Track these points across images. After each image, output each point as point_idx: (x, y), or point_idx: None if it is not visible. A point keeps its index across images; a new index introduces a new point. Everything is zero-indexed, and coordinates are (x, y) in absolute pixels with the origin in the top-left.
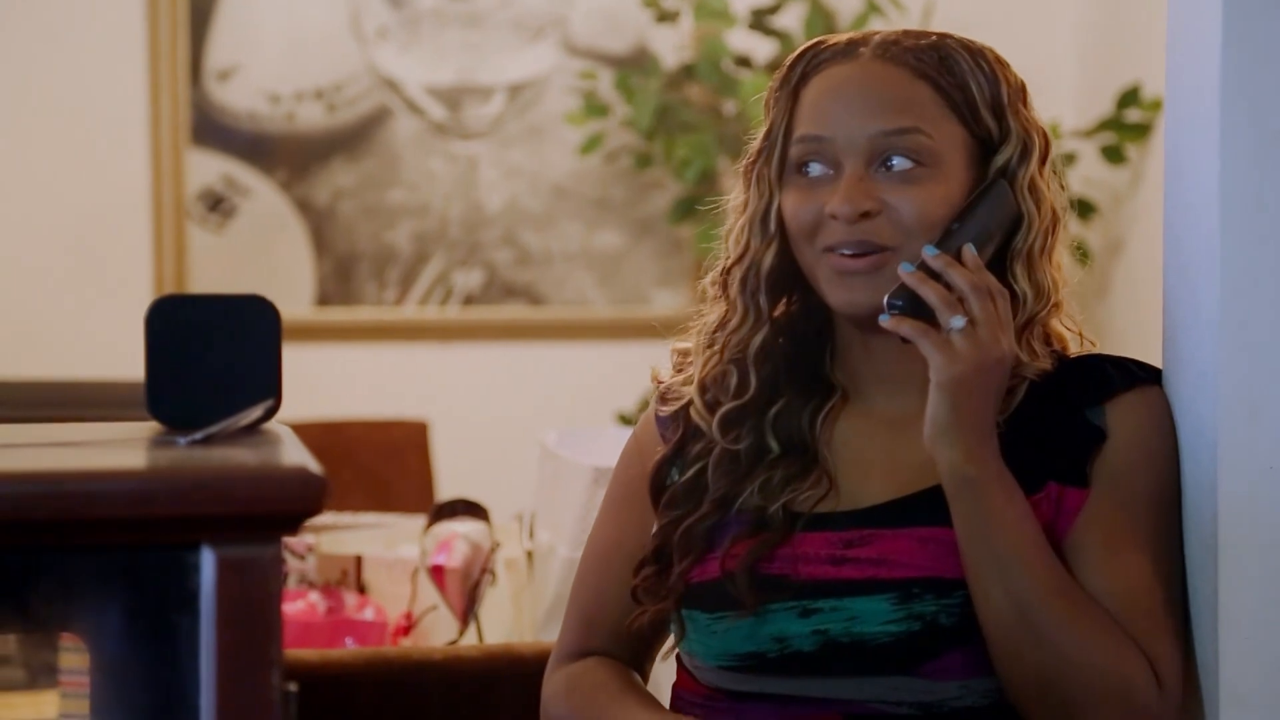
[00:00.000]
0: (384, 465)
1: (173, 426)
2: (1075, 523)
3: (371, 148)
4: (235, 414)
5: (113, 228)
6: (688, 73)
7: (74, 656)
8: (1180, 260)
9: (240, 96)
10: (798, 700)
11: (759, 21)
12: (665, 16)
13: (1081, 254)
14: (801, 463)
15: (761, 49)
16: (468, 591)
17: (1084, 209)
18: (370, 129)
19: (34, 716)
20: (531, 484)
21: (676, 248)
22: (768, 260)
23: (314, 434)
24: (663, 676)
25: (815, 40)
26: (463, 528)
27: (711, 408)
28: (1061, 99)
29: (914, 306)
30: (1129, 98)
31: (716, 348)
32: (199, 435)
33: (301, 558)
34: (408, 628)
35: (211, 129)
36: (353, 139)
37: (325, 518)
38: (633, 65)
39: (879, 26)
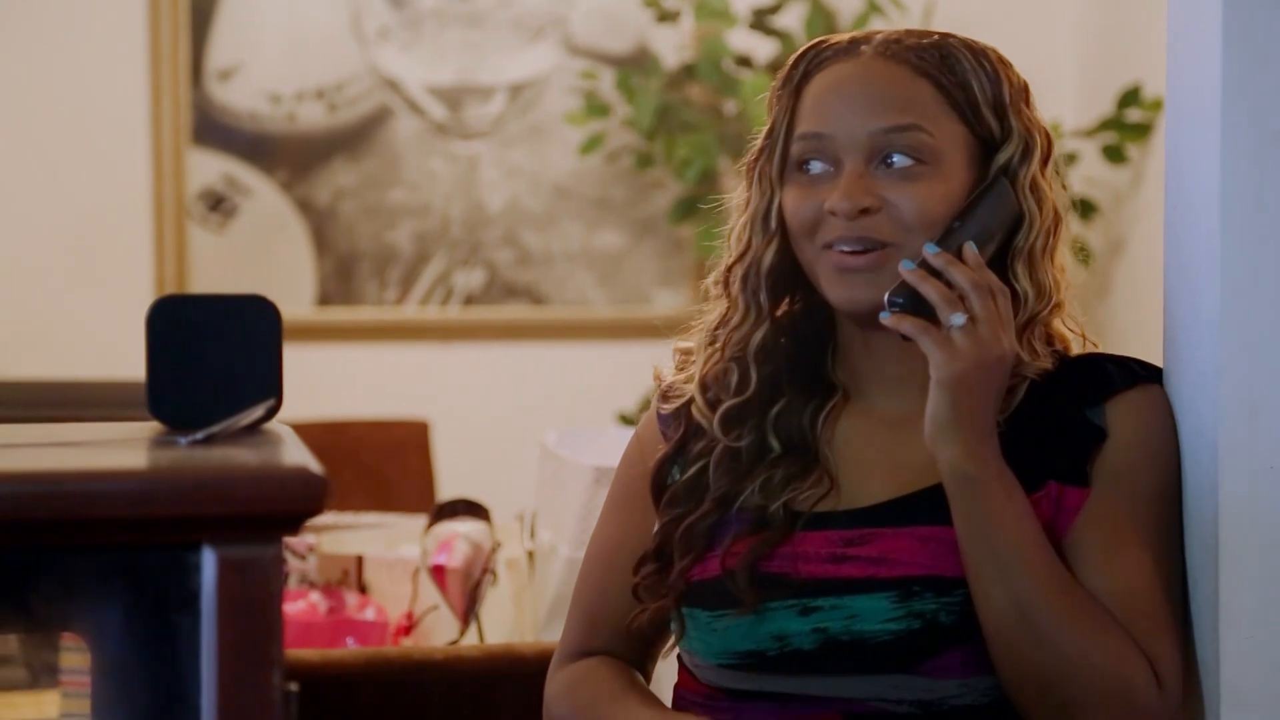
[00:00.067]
0: (385, 465)
1: (174, 426)
2: (1075, 521)
3: (372, 147)
4: (236, 414)
5: (114, 227)
6: (688, 72)
7: (75, 656)
8: (1181, 260)
9: (241, 96)
10: (798, 699)
11: (760, 21)
12: (666, 16)
13: (1083, 254)
14: (802, 462)
15: (762, 49)
16: (469, 591)
17: (1085, 209)
18: (371, 129)
19: (35, 716)
20: (532, 484)
21: (677, 248)
22: (768, 258)
23: (315, 434)
24: (665, 676)
25: (818, 40)
26: (464, 528)
27: (713, 405)
28: (1062, 99)
29: (915, 304)
30: (1130, 97)
31: (718, 345)
32: (200, 435)
33: (303, 558)
34: (409, 628)
35: (212, 129)
36: (354, 139)
37: (326, 518)
38: (633, 65)
39: (880, 26)
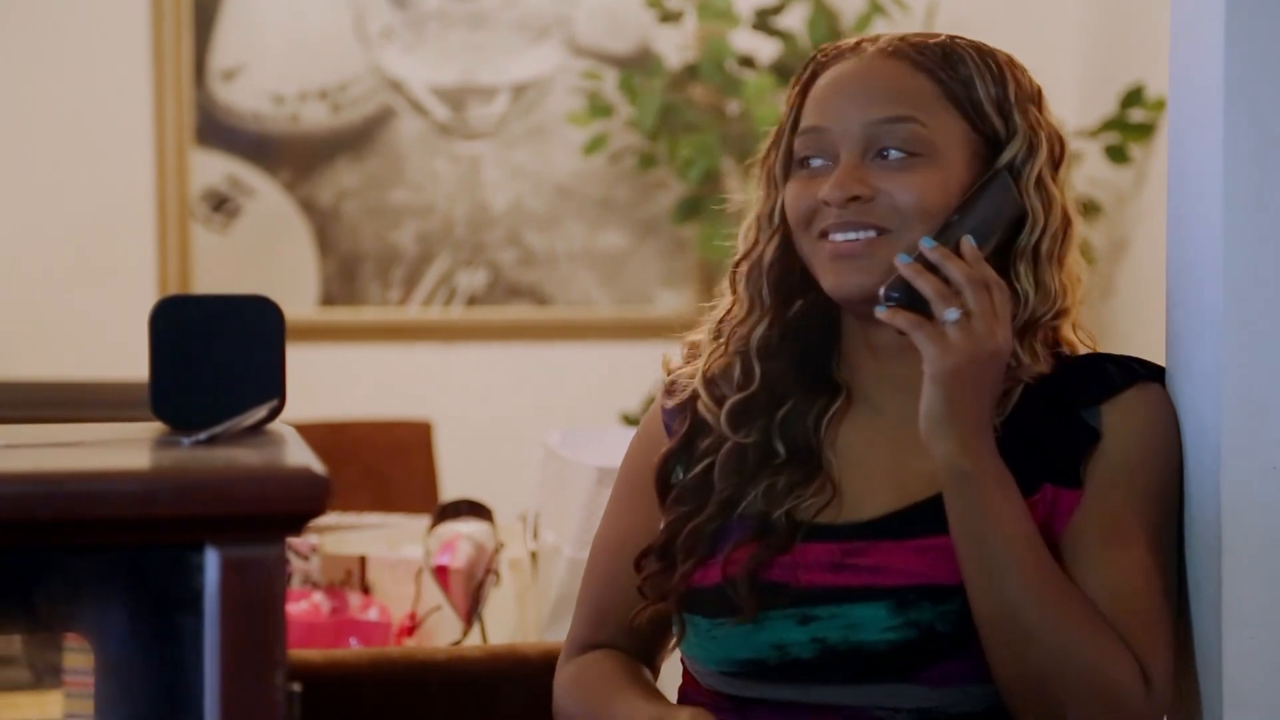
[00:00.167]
0: (388, 465)
1: (177, 427)
2: (1070, 521)
3: (375, 148)
4: (239, 414)
5: (117, 228)
6: (691, 73)
7: (78, 657)
8: (1183, 260)
9: (244, 97)
10: (798, 706)
11: (762, 22)
12: (669, 17)
13: (1086, 254)
14: (806, 469)
15: (765, 49)
16: (472, 592)
17: (1088, 209)
18: (374, 129)
19: (38, 717)
20: (535, 484)
21: (680, 248)
22: (770, 254)
23: (318, 434)
24: (670, 676)
25: (832, 43)
26: (467, 528)
27: (719, 402)
28: (1065, 99)
29: (910, 299)
30: (1133, 98)
31: (722, 340)
32: (203, 435)
33: (305, 558)
34: (412, 628)
35: (216, 129)
36: (357, 139)
37: (329, 518)
38: (636, 65)
39: (882, 26)
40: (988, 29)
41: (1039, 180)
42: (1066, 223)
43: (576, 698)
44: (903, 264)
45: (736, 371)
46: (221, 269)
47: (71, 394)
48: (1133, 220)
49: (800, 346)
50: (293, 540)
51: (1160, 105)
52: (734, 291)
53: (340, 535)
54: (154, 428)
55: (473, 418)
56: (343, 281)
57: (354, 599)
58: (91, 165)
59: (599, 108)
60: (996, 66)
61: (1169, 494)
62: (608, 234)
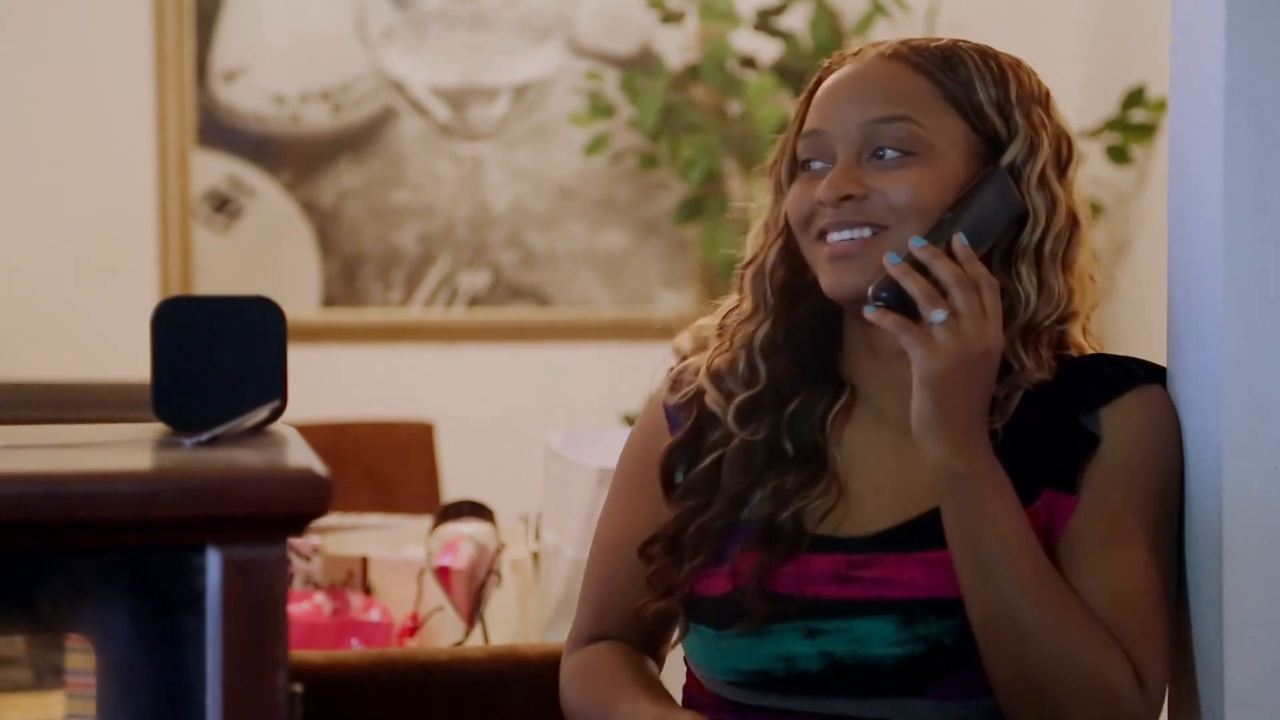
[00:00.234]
0: (389, 466)
1: (178, 428)
2: (1067, 525)
3: (377, 149)
4: (241, 415)
5: (118, 229)
6: (692, 73)
7: (80, 657)
8: (1185, 260)
9: (246, 98)
10: (804, 716)
11: (764, 22)
12: (670, 17)
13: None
14: (812, 468)
15: (766, 50)
16: (473, 592)
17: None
18: (376, 130)
19: (40, 717)
20: (537, 485)
21: (682, 248)
22: (774, 257)
23: (319, 435)
24: (676, 672)
25: (840, 52)
26: (468, 529)
27: (727, 397)
28: (1066, 99)
29: (899, 299)
30: (1134, 98)
31: (727, 336)
32: (204, 436)
33: (307, 559)
34: (413, 629)
35: (217, 130)
36: (358, 140)
37: (331, 519)
38: (638, 66)
39: (884, 27)
40: (989, 30)
41: (1041, 180)
42: (1073, 224)
43: (581, 689)
44: (891, 263)
45: (741, 367)
46: (223, 270)
47: (73, 395)
48: (1134, 221)
49: (804, 346)
50: (294, 541)
51: (1161, 106)
52: (740, 293)
53: (342, 536)
54: (155, 428)
55: (474, 418)
56: (344, 282)
57: (355, 600)
58: (93, 166)
59: (600, 108)
60: (998, 68)
61: (1168, 495)
62: (609, 235)
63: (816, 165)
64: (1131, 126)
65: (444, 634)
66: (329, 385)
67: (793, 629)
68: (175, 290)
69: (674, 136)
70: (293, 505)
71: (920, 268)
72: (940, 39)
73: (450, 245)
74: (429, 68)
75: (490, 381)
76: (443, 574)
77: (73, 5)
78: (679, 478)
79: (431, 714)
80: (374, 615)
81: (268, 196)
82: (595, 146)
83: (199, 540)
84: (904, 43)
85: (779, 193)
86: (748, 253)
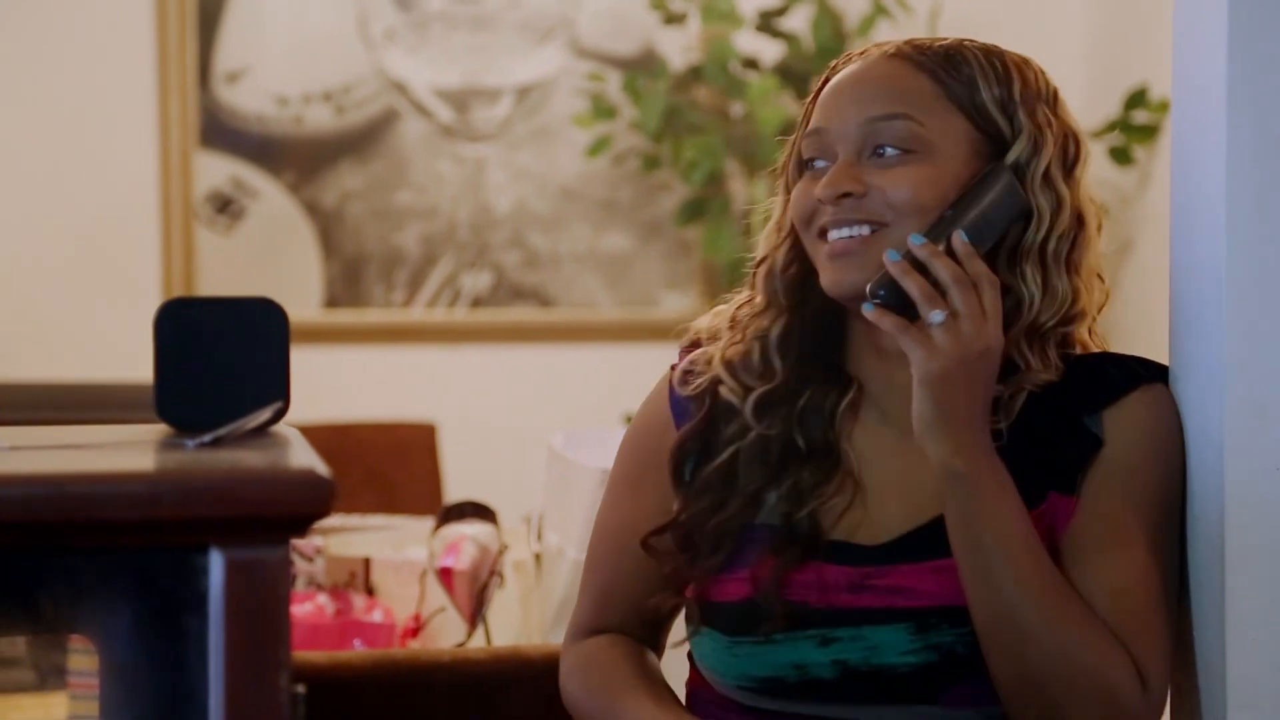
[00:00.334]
0: (392, 467)
1: (181, 429)
2: (1069, 526)
3: (379, 150)
4: (243, 416)
5: (121, 230)
6: (695, 74)
7: (83, 658)
8: (1187, 261)
9: (248, 99)
10: None
11: (766, 23)
12: (672, 18)
13: None
14: (826, 465)
15: (769, 51)
16: (476, 593)
17: None
18: (378, 131)
19: (43, 718)
20: (539, 486)
21: (684, 249)
22: (780, 256)
23: (322, 436)
24: (679, 668)
25: (846, 53)
26: (471, 530)
27: (745, 389)
28: (1069, 100)
29: (897, 297)
30: (1136, 99)
31: (739, 329)
32: (207, 438)
33: (310, 560)
34: (416, 630)
35: (220, 131)
36: (361, 141)
37: (333, 520)
38: (640, 67)
39: (886, 28)
40: (991, 30)
41: (1046, 178)
42: (1079, 224)
43: (583, 683)
44: (890, 261)
45: (756, 361)
46: (226, 271)
47: (76, 396)
48: (1137, 221)
49: (812, 343)
50: (297, 542)
51: (1164, 107)
52: (752, 289)
53: (344, 537)
54: (158, 430)
55: (477, 419)
56: (347, 283)
57: (358, 601)
58: (96, 167)
59: (603, 110)
60: (1002, 66)
61: (1170, 495)
62: (611, 236)
63: (819, 164)
64: (1133, 127)
65: (446, 635)
66: (331, 386)
67: (807, 637)
68: (178, 291)
69: (676, 138)
70: (295, 506)
71: (920, 266)
72: (945, 38)
73: (453, 246)
74: (431, 69)
75: (493, 383)
76: (445, 575)
77: (75, 6)
78: (689, 469)
79: (434, 715)
80: (376, 616)
81: (270, 197)
82: (597, 148)
83: (202, 541)
84: (908, 42)
85: (788, 192)
86: (759, 252)
